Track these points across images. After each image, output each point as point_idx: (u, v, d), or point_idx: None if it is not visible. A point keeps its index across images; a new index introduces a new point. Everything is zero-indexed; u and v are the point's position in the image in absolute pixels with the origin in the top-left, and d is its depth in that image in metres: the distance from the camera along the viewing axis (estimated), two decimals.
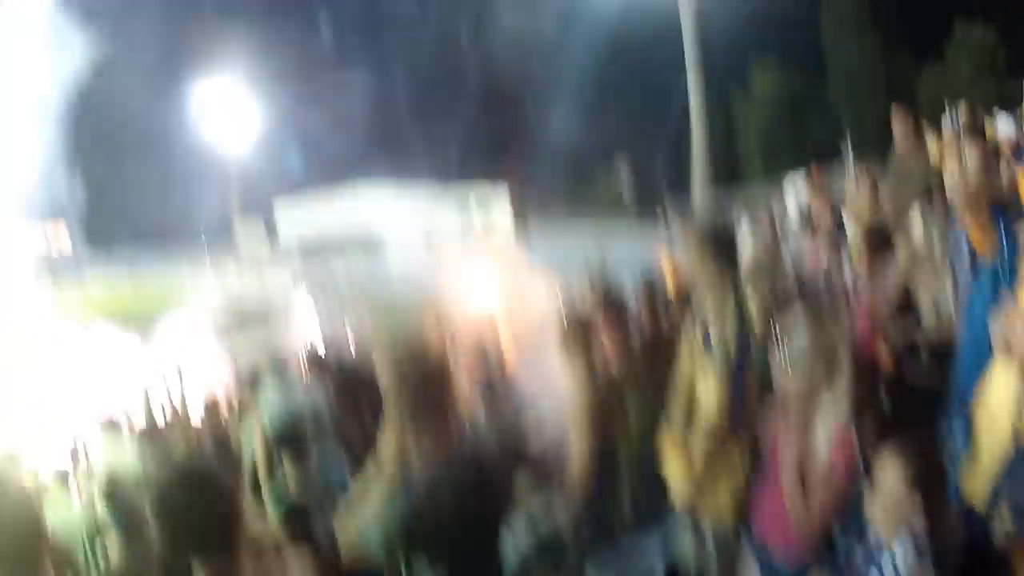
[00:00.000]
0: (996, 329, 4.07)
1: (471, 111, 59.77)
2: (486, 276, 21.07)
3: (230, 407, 12.28)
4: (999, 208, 4.71)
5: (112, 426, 11.91)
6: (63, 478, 10.87)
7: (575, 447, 5.39)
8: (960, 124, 9.28)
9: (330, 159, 67.75)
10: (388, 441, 3.82)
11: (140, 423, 11.81)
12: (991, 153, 5.92)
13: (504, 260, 25.37)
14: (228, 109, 68.41)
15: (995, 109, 13.73)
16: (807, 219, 14.09)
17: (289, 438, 6.14)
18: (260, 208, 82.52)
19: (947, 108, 10.48)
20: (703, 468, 4.49)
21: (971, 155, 5.19)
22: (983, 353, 4.37)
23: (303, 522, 5.14)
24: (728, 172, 44.42)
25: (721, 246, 5.08)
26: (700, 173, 42.65)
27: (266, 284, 61.17)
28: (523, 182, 61.63)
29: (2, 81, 21.93)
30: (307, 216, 77.74)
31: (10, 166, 22.27)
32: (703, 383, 4.77)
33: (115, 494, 8.33)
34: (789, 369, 4.10)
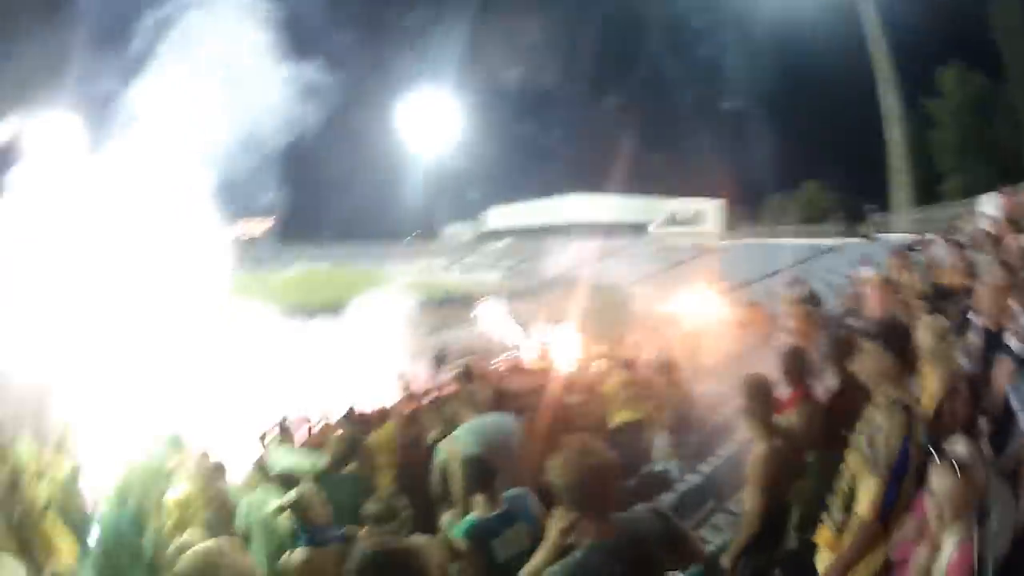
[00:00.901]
0: None
1: (685, 129, 60.83)
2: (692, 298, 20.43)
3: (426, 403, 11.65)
4: None
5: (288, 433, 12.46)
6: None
7: (748, 502, 5.53)
8: None
9: (544, 170, 69.47)
10: (558, 518, 4.02)
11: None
12: None
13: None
14: (444, 120, 71.95)
15: None
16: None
17: (481, 467, 5.49)
18: (470, 213, 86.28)
19: None
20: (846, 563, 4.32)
21: None
22: None
23: (485, 549, 5.03)
24: (923, 184, 43.57)
25: (898, 340, 4.85)
26: (897, 186, 42.79)
27: (471, 279, 63.92)
28: (733, 197, 62.68)
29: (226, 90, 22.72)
30: (517, 220, 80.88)
31: (230, 165, 22.79)
32: (864, 480, 4.52)
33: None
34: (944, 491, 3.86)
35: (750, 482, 5.43)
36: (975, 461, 3.68)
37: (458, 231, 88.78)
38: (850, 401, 5.48)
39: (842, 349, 6.43)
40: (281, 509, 5.77)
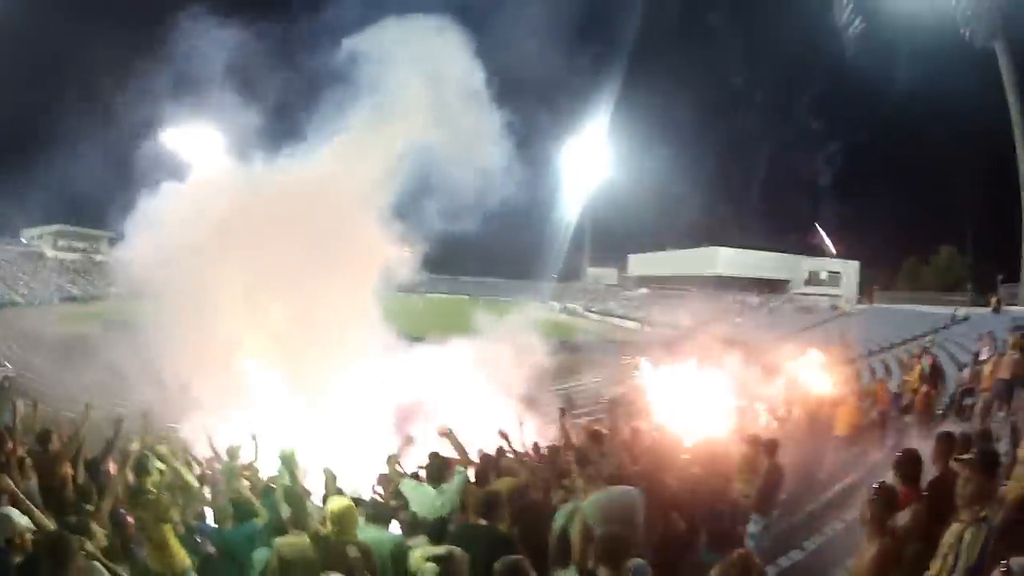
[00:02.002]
0: None
1: (822, 192, 60.65)
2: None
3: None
4: None
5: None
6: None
7: None
8: None
9: (684, 222, 69.81)
10: None
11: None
12: None
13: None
14: (590, 169, 72.98)
15: None
16: None
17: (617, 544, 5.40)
18: (612, 259, 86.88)
19: None
20: None
21: None
22: None
23: None
24: None
25: (992, 465, 5.21)
26: None
27: (609, 324, 64.28)
28: (869, 259, 62.21)
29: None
30: (658, 268, 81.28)
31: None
32: None
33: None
34: None
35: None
36: None
37: (599, 274, 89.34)
38: (945, 500, 5.92)
39: (947, 451, 7.19)
40: (435, 560, 5.79)
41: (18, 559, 5.82)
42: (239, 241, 21.03)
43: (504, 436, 10.73)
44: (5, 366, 33.21)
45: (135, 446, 9.83)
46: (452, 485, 8.30)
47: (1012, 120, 42.12)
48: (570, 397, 23.90)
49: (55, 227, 65.96)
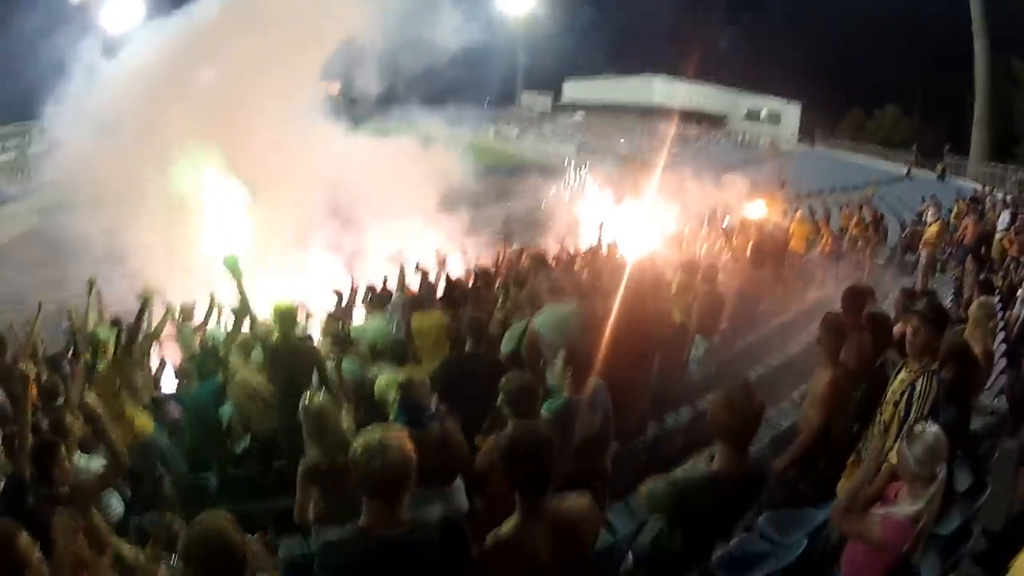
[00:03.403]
0: None
1: (774, 30, 59.63)
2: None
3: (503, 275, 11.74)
4: None
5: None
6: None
7: (811, 420, 5.95)
8: None
9: (624, 50, 68.66)
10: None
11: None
12: None
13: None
14: None
15: None
16: None
17: (582, 358, 5.69)
18: (547, 84, 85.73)
19: None
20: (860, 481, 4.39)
21: None
22: None
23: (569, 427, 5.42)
24: (1002, 141, 43.13)
25: (942, 323, 5.33)
26: (977, 137, 42.39)
27: (544, 149, 64.12)
28: (811, 104, 62.02)
29: None
30: (592, 94, 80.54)
31: None
32: (892, 433, 5.09)
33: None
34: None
35: (816, 403, 5.95)
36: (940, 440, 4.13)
37: (534, 101, 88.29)
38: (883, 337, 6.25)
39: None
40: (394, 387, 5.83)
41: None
42: (168, 96, 21.17)
43: (441, 261, 11.28)
44: None
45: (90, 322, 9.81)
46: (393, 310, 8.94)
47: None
48: (507, 221, 23.77)
49: None
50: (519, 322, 7.97)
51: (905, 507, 4.09)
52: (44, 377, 8.22)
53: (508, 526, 3.56)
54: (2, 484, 5.13)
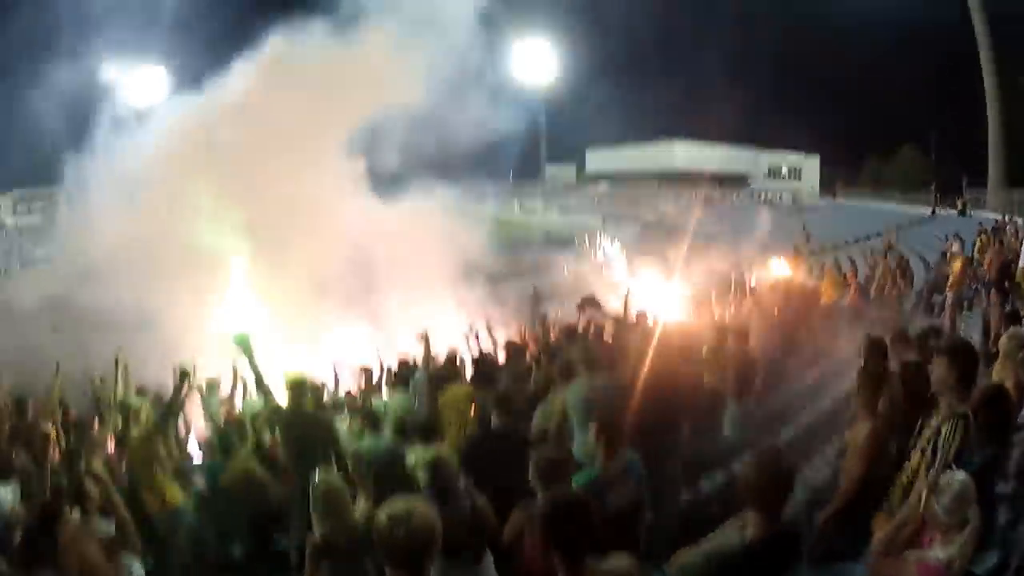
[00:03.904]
0: None
1: (784, 86, 59.98)
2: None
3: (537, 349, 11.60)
4: None
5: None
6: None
7: (850, 473, 5.81)
8: None
9: (642, 117, 68.98)
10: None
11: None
12: None
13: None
14: (541, 64, 71.64)
15: None
16: None
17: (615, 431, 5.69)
18: (570, 156, 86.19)
19: None
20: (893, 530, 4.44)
21: None
22: None
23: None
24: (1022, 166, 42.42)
25: (965, 360, 5.19)
26: (993, 167, 42.30)
27: (570, 221, 64.18)
28: (830, 156, 62.09)
29: None
30: (615, 164, 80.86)
31: None
32: (920, 481, 4.86)
33: None
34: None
35: (856, 454, 5.76)
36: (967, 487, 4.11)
37: (558, 173, 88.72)
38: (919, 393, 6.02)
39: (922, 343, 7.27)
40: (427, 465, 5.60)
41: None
42: (192, 165, 21.41)
43: (472, 334, 10.92)
44: None
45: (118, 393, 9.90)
46: (413, 385, 8.91)
47: (976, 27, 41.94)
48: (537, 294, 23.77)
49: (12, 193, 64.68)
50: (552, 396, 7.85)
51: (939, 552, 4.05)
52: (68, 442, 8.42)
53: None
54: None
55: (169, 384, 9.53)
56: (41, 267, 36.55)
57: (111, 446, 8.94)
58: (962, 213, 36.78)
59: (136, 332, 17.69)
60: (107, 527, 6.00)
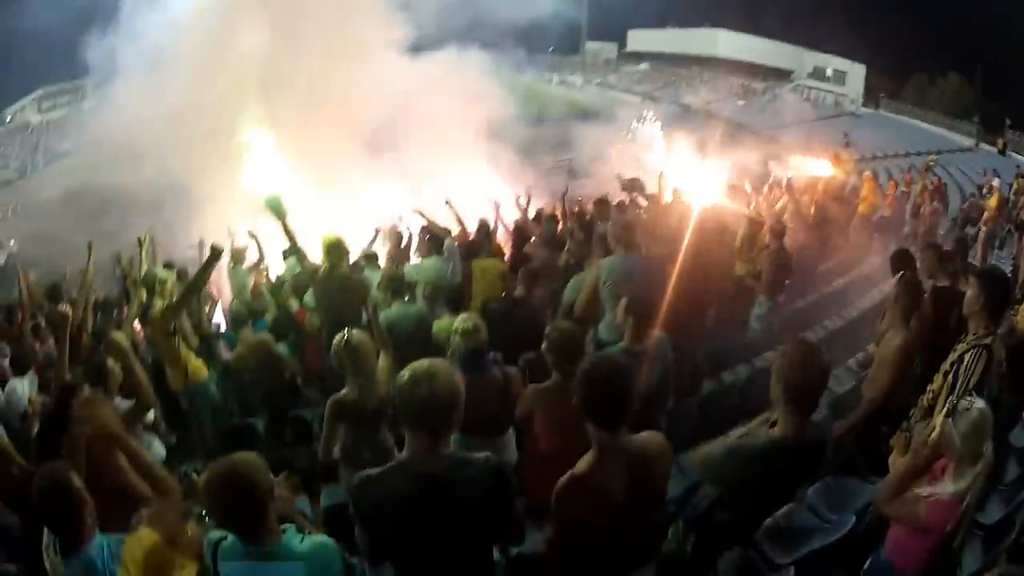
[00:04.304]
0: None
1: None
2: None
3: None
4: None
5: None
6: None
7: (878, 381, 5.72)
8: None
9: (688, 2, 67.45)
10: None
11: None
12: None
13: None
14: None
15: None
16: None
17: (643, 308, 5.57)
18: (612, 33, 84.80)
19: None
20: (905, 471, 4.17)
21: None
22: None
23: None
24: None
25: (995, 287, 5.09)
26: None
27: (608, 97, 63.52)
28: (875, 66, 60.67)
29: None
30: (657, 45, 79.56)
31: None
32: (939, 405, 4.83)
33: None
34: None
35: (885, 364, 5.68)
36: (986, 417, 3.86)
37: (598, 50, 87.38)
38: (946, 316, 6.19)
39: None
40: (456, 331, 5.46)
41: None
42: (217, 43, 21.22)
43: (496, 207, 10.97)
44: (9, 245, 31.04)
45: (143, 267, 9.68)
46: (449, 255, 8.56)
47: None
48: (572, 167, 23.50)
49: (36, 93, 63.78)
50: (587, 271, 7.65)
51: (949, 485, 3.84)
52: (95, 322, 8.27)
53: (584, 463, 3.39)
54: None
55: (197, 260, 9.58)
56: (69, 159, 36.54)
57: (138, 325, 8.78)
58: (1002, 152, 36.14)
59: (164, 211, 17.65)
60: (127, 405, 5.86)
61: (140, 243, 9.83)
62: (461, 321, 5.60)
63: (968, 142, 39.75)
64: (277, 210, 7.56)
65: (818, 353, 3.74)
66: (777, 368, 3.77)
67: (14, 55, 44.82)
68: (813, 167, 17.94)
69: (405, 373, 3.16)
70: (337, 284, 7.59)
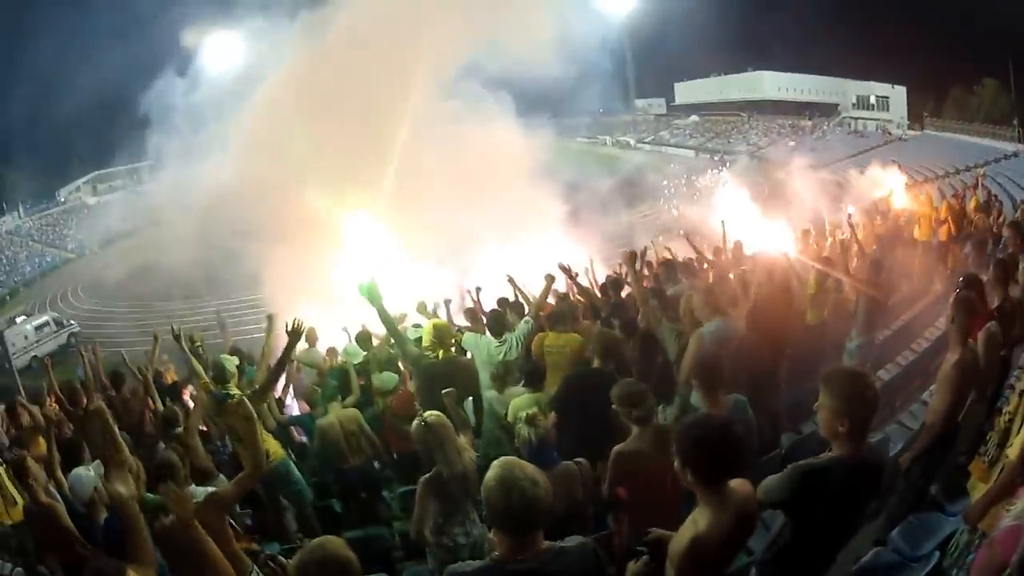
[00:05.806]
0: None
1: (876, 17, 58.01)
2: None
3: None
4: None
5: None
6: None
7: (936, 404, 5.51)
8: None
9: (729, 48, 67.35)
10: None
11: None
12: None
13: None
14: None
15: None
16: None
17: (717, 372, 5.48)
18: (659, 93, 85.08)
19: None
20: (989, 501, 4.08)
21: None
22: None
23: None
24: None
25: None
26: None
27: (663, 154, 63.38)
28: (914, 85, 59.98)
29: None
30: (704, 95, 79.48)
31: None
32: (1019, 422, 4.47)
33: None
34: None
35: (942, 386, 5.45)
36: None
37: (647, 105, 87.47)
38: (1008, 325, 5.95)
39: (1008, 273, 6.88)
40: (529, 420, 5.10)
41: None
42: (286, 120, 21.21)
43: (566, 271, 10.40)
44: (70, 324, 32.62)
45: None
46: (517, 332, 8.02)
47: None
48: (632, 227, 23.43)
49: (91, 175, 65.56)
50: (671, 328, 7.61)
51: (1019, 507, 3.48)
52: (161, 407, 8.35)
53: (703, 522, 3.36)
54: None
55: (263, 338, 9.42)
56: (129, 240, 37.06)
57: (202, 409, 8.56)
58: None
59: (231, 295, 17.68)
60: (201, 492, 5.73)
61: (176, 336, 9.21)
62: (526, 406, 5.69)
63: (1011, 147, 38.98)
64: (372, 296, 7.60)
65: (857, 377, 3.81)
66: (820, 397, 3.80)
67: (63, 138, 45.93)
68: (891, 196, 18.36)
69: (492, 478, 3.21)
70: (446, 368, 7.61)
